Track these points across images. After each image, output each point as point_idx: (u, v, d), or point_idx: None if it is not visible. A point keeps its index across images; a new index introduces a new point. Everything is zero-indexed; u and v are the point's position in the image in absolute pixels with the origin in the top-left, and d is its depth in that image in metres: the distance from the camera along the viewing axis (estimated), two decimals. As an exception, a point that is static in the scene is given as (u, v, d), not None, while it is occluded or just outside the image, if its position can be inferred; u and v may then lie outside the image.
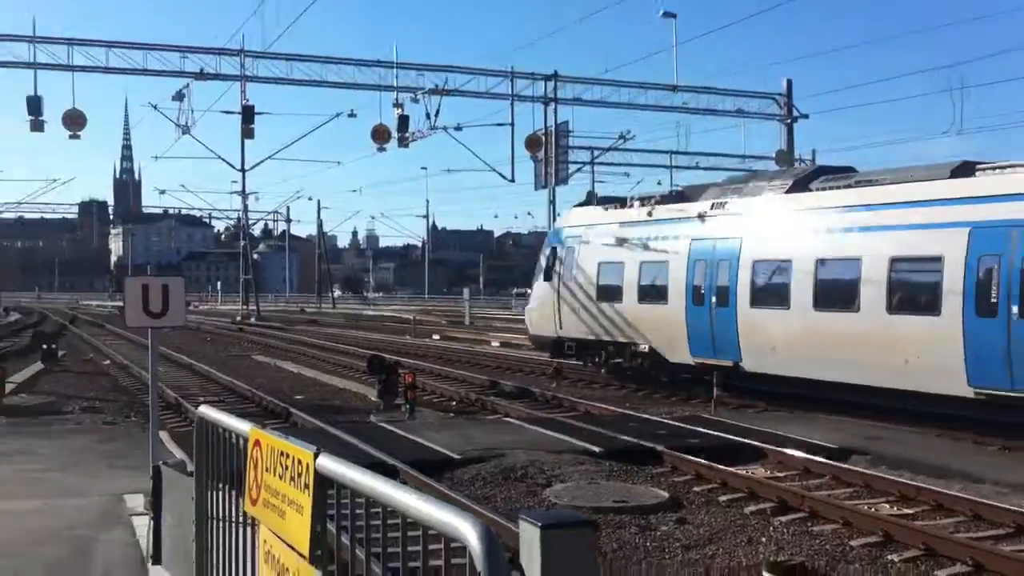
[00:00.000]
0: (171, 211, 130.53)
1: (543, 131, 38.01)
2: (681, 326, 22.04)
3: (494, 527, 4.70)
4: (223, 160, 54.94)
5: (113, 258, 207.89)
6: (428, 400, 21.76)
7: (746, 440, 15.09)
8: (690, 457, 13.57)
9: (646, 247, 23.54)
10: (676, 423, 17.18)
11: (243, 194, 62.44)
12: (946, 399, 16.44)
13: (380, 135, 35.85)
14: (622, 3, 61.20)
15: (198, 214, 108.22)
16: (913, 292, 17.48)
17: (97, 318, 67.05)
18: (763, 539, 10.09)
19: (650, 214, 23.84)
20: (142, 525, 8.96)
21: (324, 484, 3.68)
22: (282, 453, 4.00)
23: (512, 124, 37.22)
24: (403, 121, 36.08)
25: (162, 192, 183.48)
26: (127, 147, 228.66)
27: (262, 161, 57.38)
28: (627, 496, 11.61)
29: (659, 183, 54.17)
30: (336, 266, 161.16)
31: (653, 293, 23.20)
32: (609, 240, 24.91)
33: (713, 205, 22.11)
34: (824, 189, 20.31)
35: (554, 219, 35.00)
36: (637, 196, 26.31)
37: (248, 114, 36.51)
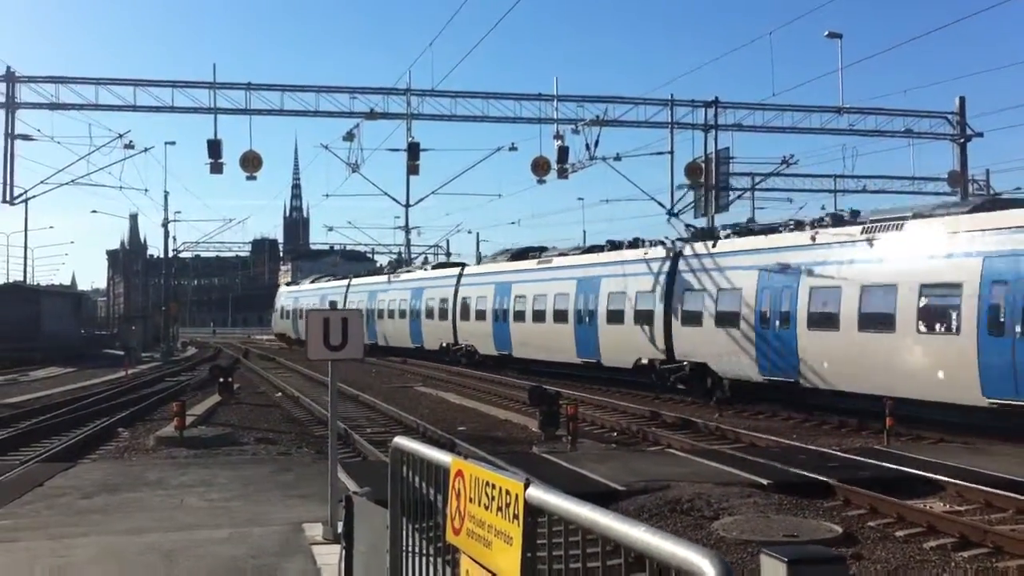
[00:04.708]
0: (336, 247, 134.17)
1: (703, 159, 37.54)
2: (292, 330, 74.17)
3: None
4: (389, 196, 56.41)
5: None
6: (589, 431, 21.74)
7: (922, 472, 14.55)
8: (863, 490, 13.17)
9: (292, 300, 78.27)
10: (847, 455, 16.71)
11: (406, 229, 64.01)
12: None
13: (540, 167, 36.07)
14: (787, 27, 60.41)
15: (363, 249, 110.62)
16: None
17: (267, 351, 69.55)
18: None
19: (309, 283, 78.94)
20: (322, 554, 9.23)
21: (534, 515, 3.62)
22: (488, 483, 4.00)
23: (671, 152, 36.86)
24: (563, 152, 36.13)
25: (330, 229, 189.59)
26: (296, 186, 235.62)
27: (425, 197, 58.75)
28: (798, 530, 11.34)
29: (823, 207, 53.15)
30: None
31: (289, 316, 76.20)
32: (287, 295, 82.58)
33: (325, 281, 77.07)
34: None
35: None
36: (308, 279, 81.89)
37: (413, 151, 37.20)
